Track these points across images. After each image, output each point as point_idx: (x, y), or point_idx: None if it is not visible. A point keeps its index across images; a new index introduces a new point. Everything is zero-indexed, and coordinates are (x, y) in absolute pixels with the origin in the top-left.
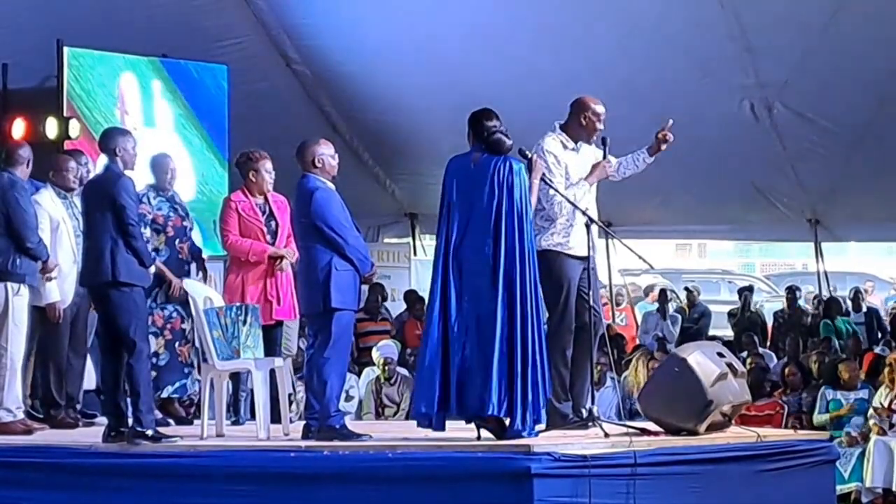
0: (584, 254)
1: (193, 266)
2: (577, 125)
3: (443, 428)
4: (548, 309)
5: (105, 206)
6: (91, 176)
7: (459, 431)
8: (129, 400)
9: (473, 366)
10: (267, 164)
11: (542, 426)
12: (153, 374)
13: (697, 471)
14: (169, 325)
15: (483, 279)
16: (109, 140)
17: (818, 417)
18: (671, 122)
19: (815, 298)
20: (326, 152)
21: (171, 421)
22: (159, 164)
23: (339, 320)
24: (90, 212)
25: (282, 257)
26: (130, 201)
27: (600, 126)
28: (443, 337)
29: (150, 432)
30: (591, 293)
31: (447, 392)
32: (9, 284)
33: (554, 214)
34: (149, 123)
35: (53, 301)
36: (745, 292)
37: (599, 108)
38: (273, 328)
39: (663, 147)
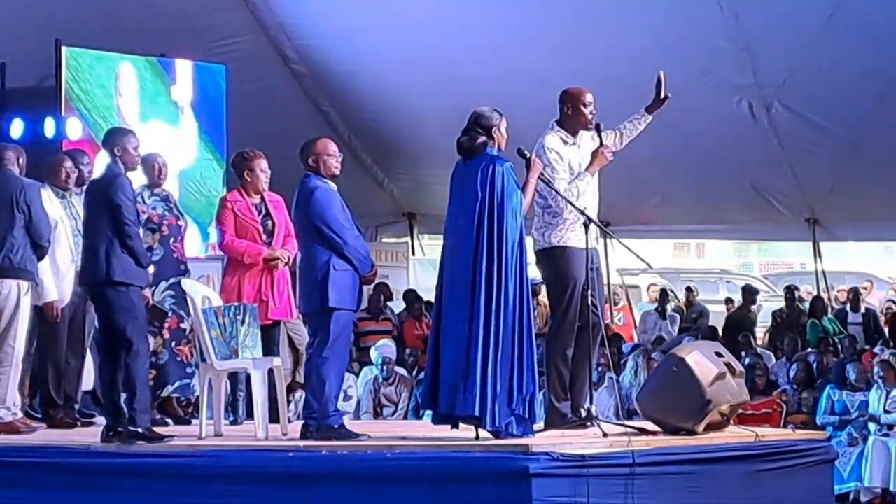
0: (592, 245)
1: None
2: (570, 117)
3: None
4: (551, 308)
5: (102, 205)
6: (93, 176)
7: (458, 431)
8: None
9: (452, 366)
10: (262, 164)
11: (541, 425)
12: (153, 372)
13: (696, 470)
14: (167, 325)
15: (464, 280)
16: (109, 140)
17: (823, 418)
18: (662, 73)
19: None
20: (328, 151)
21: (168, 420)
22: (148, 162)
23: (338, 320)
24: (89, 212)
25: (277, 259)
26: (127, 201)
27: (592, 113)
28: (438, 338)
29: (144, 431)
30: (591, 292)
31: (437, 391)
32: (21, 282)
33: (559, 210)
34: (145, 119)
35: (51, 300)
36: (747, 294)
37: (588, 97)
38: (271, 328)
39: (663, 104)
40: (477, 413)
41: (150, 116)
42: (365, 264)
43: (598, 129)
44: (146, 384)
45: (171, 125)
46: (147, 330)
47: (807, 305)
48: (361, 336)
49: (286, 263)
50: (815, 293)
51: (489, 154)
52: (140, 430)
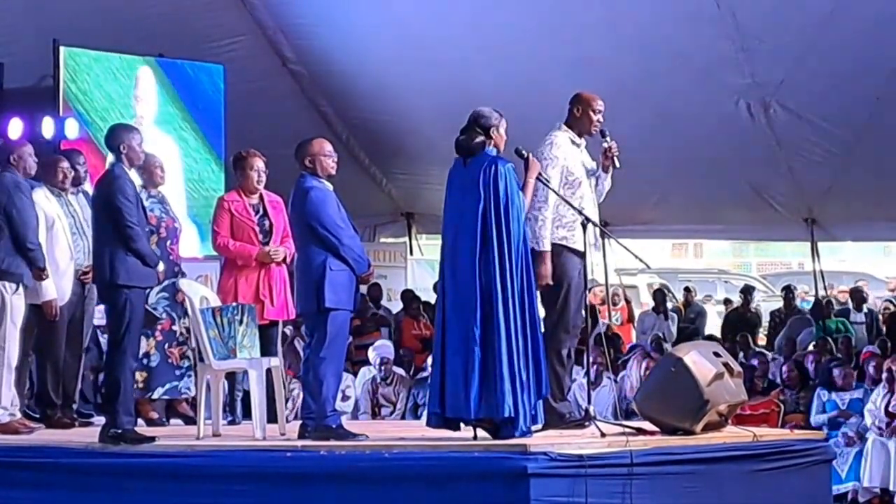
0: (582, 249)
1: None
2: (578, 120)
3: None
4: (546, 309)
5: (104, 208)
6: (92, 176)
7: (456, 431)
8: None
9: (457, 369)
10: (255, 163)
11: (539, 426)
12: (144, 374)
13: (693, 470)
14: (159, 327)
15: (468, 282)
16: (113, 137)
17: (816, 418)
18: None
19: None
20: (324, 152)
21: (165, 421)
22: (147, 164)
23: (334, 320)
24: (94, 213)
25: (270, 254)
26: (127, 203)
27: (600, 121)
28: (441, 340)
29: (125, 432)
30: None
31: (443, 393)
32: (6, 284)
33: (552, 210)
34: (157, 124)
35: (50, 298)
36: (745, 293)
37: (599, 104)
38: (268, 328)
39: (609, 160)
40: (510, 414)
41: (159, 121)
42: (361, 264)
43: (602, 134)
44: (130, 386)
45: (171, 128)
46: (140, 333)
47: (805, 305)
48: (353, 335)
49: (283, 260)
50: (812, 293)
51: (489, 154)
52: (120, 430)
